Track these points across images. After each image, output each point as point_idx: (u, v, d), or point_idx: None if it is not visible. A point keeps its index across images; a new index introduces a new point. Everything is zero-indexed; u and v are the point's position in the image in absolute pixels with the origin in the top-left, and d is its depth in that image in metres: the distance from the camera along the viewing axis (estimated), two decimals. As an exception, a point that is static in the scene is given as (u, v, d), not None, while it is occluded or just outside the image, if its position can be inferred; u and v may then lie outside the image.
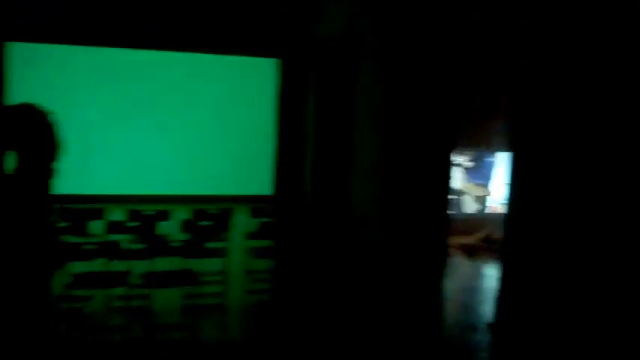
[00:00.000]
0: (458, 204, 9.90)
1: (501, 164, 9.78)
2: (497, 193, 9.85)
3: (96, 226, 6.53)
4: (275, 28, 10.23)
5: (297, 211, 9.94)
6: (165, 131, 11.25)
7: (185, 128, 11.33)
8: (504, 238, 5.46)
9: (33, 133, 2.09)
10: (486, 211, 10.04)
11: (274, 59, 11.34)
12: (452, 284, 6.99)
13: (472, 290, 6.53)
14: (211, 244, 5.91)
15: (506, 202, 5.29)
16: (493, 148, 9.81)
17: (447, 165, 7.97)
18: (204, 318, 5.21)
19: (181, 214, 6.98)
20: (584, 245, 4.01)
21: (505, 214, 5.32)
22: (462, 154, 9.79)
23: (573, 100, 4.17)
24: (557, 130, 4.35)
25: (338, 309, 5.66)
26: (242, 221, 7.06)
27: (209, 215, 6.84)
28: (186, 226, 6.23)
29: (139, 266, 5.06)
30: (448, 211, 8.14)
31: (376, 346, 4.67)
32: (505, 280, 5.16)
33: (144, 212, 6.80)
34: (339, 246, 7.43)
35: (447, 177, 8.03)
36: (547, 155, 4.47)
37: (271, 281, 6.54)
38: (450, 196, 8.34)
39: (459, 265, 7.79)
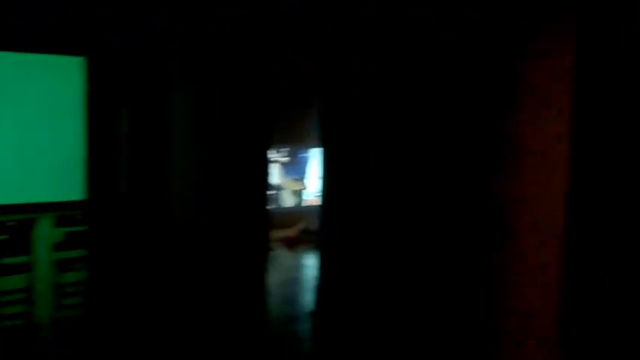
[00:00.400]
0: (277, 199, 10.25)
1: (315, 159, 10.36)
2: (313, 187, 10.43)
3: None
4: (77, 23, 9.33)
5: (113, 216, 9.28)
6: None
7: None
8: (319, 229, 5.79)
9: None
10: (304, 204, 10.56)
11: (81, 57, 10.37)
12: (275, 277, 7.19)
13: (294, 281, 6.82)
14: (10, 260, 5.27)
15: (320, 195, 5.61)
16: (307, 144, 10.33)
17: (265, 162, 8.12)
18: (8, 341, 4.64)
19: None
20: (386, 236, 4.43)
21: (319, 207, 5.63)
22: (278, 150, 10.14)
23: (371, 100, 4.57)
24: (360, 128, 4.72)
25: (159, 313, 5.46)
26: (47, 231, 6.37)
27: (6, 228, 6.02)
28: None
29: None
30: (268, 206, 8.35)
31: (202, 345, 4.63)
32: (322, 269, 5.47)
33: None
34: (159, 249, 7.14)
35: (265, 173, 8.20)
36: (351, 151, 4.83)
37: (85, 294, 6.04)
38: (268, 192, 8.58)
39: (281, 258, 8.07)
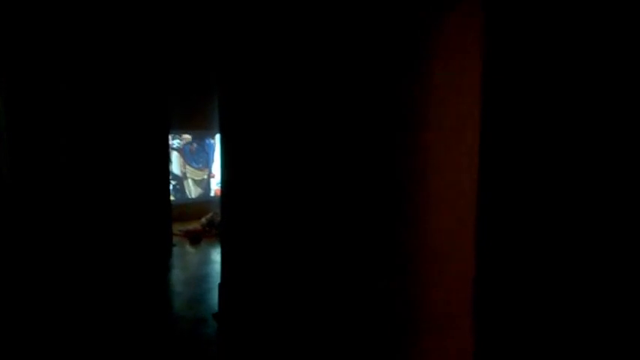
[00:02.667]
0: (179, 189, 9.57)
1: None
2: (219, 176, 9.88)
3: None
4: None
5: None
6: None
7: None
8: (221, 222, 5.33)
9: None
10: (210, 194, 9.97)
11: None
12: (178, 275, 6.66)
13: (199, 279, 6.31)
14: None
15: (221, 185, 5.17)
16: (212, 131, 9.73)
17: (164, 148, 7.52)
18: None
19: None
20: (289, 228, 4.06)
21: (220, 197, 5.20)
22: (179, 136, 9.45)
23: (267, 87, 4.17)
24: (259, 115, 4.32)
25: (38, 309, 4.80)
26: None
27: None
28: None
29: None
30: (169, 198, 7.74)
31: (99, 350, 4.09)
32: (224, 267, 5.04)
33: None
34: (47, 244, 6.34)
35: (164, 161, 7.60)
36: (249, 138, 4.41)
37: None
38: (170, 182, 7.95)
39: (185, 254, 7.50)
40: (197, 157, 9.74)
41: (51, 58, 6.77)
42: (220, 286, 5.02)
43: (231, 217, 4.81)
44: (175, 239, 7.89)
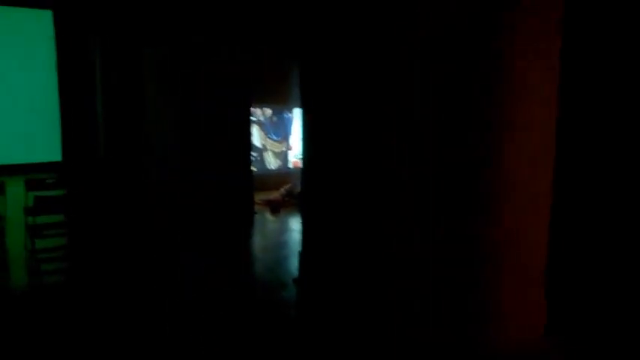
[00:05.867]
0: (260, 161, 10.00)
1: (298, 120, 10.09)
2: (297, 148, 10.19)
3: None
4: None
5: (90, 179, 8.98)
6: None
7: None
8: (302, 192, 5.60)
9: None
10: (289, 165, 10.34)
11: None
12: (259, 241, 7.07)
13: (279, 245, 6.68)
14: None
15: (302, 157, 5.38)
16: (290, 105, 10.03)
17: (246, 122, 7.92)
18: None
19: None
20: (369, 198, 4.23)
21: (302, 169, 5.42)
22: (260, 110, 9.83)
23: (352, 61, 4.29)
24: (340, 88, 4.46)
25: (141, 279, 5.31)
26: (19, 195, 6.09)
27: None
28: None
29: None
30: (251, 168, 8.16)
31: (188, 311, 4.51)
32: (305, 235, 5.31)
33: None
34: (137, 215, 6.94)
35: (247, 134, 7.99)
36: (331, 112, 4.58)
37: (66, 259, 5.86)
38: (251, 153, 8.35)
39: (266, 222, 7.92)
40: (276, 130, 10.12)
41: (140, 36, 7.28)
42: (301, 252, 5.32)
43: (312, 188, 5.06)
44: (257, 208, 8.31)
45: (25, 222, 5.69)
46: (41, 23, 9.86)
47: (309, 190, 5.22)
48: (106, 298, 4.78)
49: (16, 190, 6.11)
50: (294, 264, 5.66)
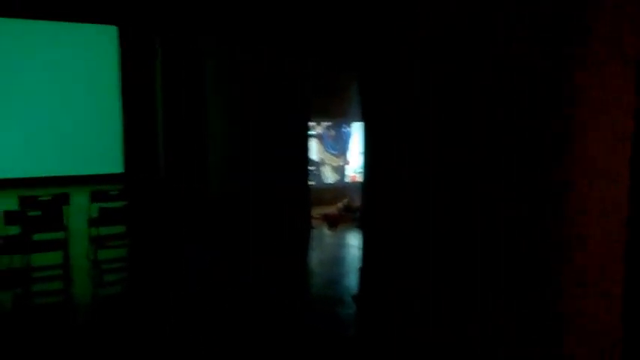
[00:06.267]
0: (317, 175, 9.90)
1: (357, 134, 9.94)
2: (355, 162, 10.03)
3: None
4: None
5: (151, 191, 9.17)
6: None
7: (12, 101, 9.71)
8: (363, 207, 5.43)
9: None
10: (346, 180, 10.18)
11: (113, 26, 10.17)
12: (317, 256, 6.92)
13: (336, 261, 6.51)
14: (45, 236, 5.15)
15: (362, 170, 5.24)
16: (349, 119, 9.92)
17: (305, 136, 7.87)
18: (45, 319, 4.53)
19: (6, 203, 5.96)
20: (437, 212, 4.03)
21: (362, 183, 5.27)
22: (318, 124, 9.75)
23: (419, 74, 4.12)
24: (407, 101, 4.29)
25: (202, 291, 5.27)
26: (83, 206, 6.23)
27: (40, 203, 5.88)
28: (12, 217, 5.28)
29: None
30: (309, 182, 8.07)
31: (245, 327, 4.41)
32: (365, 250, 5.13)
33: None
34: (197, 227, 6.96)
35: (305, 148, 7.93)
36: (396, 125, 4.42)
37: (124, 271, 5.93)
38: (309, 167, 8.26)
39: (323, 236, 7.77)
40: (334, 144, 10.01)
41: (202, 50, 7.38)
42: (361, 269, 5.13)
43: (374, 202, 4.88)
44: (314, 222, 8.18)
45: (89, 233, 5.80)
46: (106, 38, 10.29)
47: (370, 204, 5.04)
48: (165, 310, 4.76)
49: (78, 200, 6.26)
50: (352, 280, 5.48)
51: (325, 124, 9.85)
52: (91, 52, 10.28)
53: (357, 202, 8.61)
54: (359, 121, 9.57)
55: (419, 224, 4.14)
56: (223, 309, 4.86)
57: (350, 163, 10.18)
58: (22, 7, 8.90)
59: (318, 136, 9.81)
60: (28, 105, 9.85)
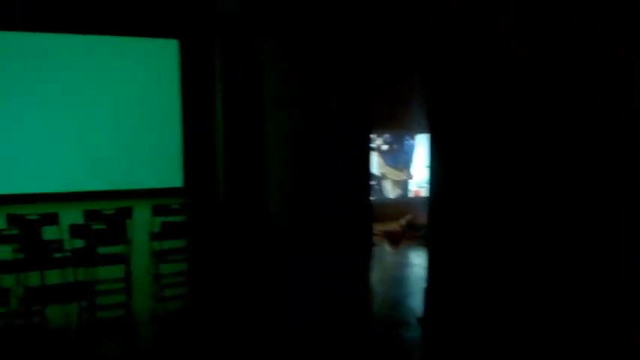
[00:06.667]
0: (378, 189, 9.62)
1: (421, 146, 9.59)
2: (419, 176, 9.67)
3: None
4: (169, 4, 9.35)
5: (211, 205, 9.22)
6: (52, 119, 10.01)
7: (75, 116, 10.13)
8: (429, 224, 5.13)
9: None
10: (409, 195, 9.84)
11: (175, 40, 10.42)
12: (378, 275, 6.65)
13: (400, 281, 6.21)
14: (108, 250, 5.19)
15: (428, 185, 4.97)
16: (413, 130, 9.59)
17: (366, 148, 7.64)
18: (107, 333, 4.55)
19: (72, 216, 6.08)
20: (514, 230, 3.72)
21: (428, 199, 4.99)
22: (379, 137, 9.50)
23: (490, 82, 3.84)
24: (474, 111, 4.02)
25: (257, 310, 5.14)
26: (146, 220, 6.28)
27: (104, 216, 5.97)
28: (77, 230, 5.36)
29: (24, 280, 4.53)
30: (370, 197, 7.82)
31: (302, 346, 4.24)
32: (432, 269, 4.84)
33: (27, 217, 5.82)
34: (255, 245, 6.86)
35: (366, 161, 7.70)
36: (465, 136, 4.15)
37: (184, 285, 5.89)
38: (370, 182, 8.02)
39: (384, 255, 7.47)
40: (396, 158, 9.70)
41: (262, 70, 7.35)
42: (426, 289, 4.83)
43: (442, 219, 4.59)
44: (375, 239, 7.90)
45: (150, 246, 5.82)
46: (167, 52, 10.56)
47: (438, 220, 4.74)
48: (224, 328, 4.69)
49: (139, 214, 6.31)
50: (416, 301, 5.18)
51: (386, 136, 9.58)
52: (153, 67, 10.57)
53: (421, 218, 8.26)
54: (423, 132, 9.23)
55: (493, 241, 3.84)
56: (282, 330, 4.70)
57: (414, 177, 9.83)
58: (90, 24, 9.27)
59: (378, 149, 9.55)
60: (91, 120, 10.24)
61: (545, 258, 3.42)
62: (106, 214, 5.98)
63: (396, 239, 8.08)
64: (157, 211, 6.33)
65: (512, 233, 3.68)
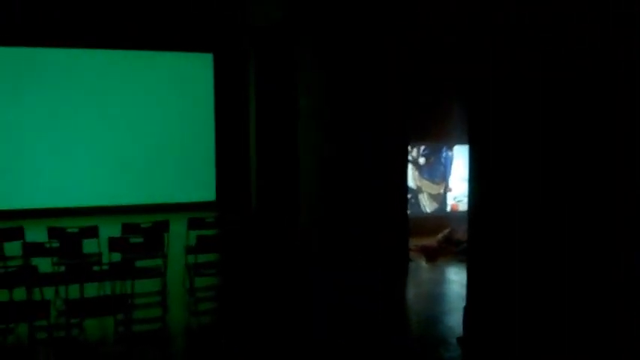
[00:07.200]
0: (414, 203, 9.44)
1: (460, 158, 9.37)
2: (457, 190, 9.45)
3: (11, 248, 5.70)
4: (203, 19, 9.53)
5: (243, 219, 9.23)
6: (90, 134, 10.29)
7: (113, 130, 10.39)
8: (469, 239, 4.97)
9: None
10: (446, 209, 9.62)
11: (209, 54, 10.57)
12: (414, 291, 6.48)
13: (437, 298, 6.04)
14: (145, 263, 5.24)
15: (467, 199, 4.83)
16: (451, 142, 9.38)
17: (403, 160, 7.51)
18: (143, 347, 4.52)
19: (109, 229, 6.17)
20: (558, 244, 3.55)
21: (468, 213, 4.84)
22: (416, 149, 9.33)
23: (535, 91, 3.71)
24: (518, 121, 3.90)
25: (291, 327, 5.07)
26: (180, 234, 6.32)
27: (142, 230, 6.04)
28: (115, 243, 5.43)
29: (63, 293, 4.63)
30: (406, 212, 7.66)
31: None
32: (473, 287, 4.69)
33: (67, 230, 5.94)
34: (287, 260, 6.82)
35: (403, 174, 7.56)
36: (508, 147, 4.02)
37: (217, 300, 5.89)
38: (406, 195, 7.86)
39: (421, 271, 7.29)
40: (433, 170, 9.51)
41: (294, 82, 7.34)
42: (466, 307, 4.67)
43: (482, 235, 4.45)
44: (411, 255, 7.74)
45: (185, 259, 5.84)
46: (201, 66, 10.72)
47: (478, 235, 4.60)
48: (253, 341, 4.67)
49: (174, 227, 6.35)
50: (455, 320, 5.01)
51: (422, 148, 9.40)
52: (187, 81, 10.75)
53: (459, 233, 8.04)
54: (462, 143, 9.01)
55: (537, 258, 3.69)
56: (311, 343, 4.64)
57: (452, 191, 9.61)
58: (128, 40, 9.50)
59: (415, 162, 9.38)
60: (129, 135, 10.47)
61: (589, 276, 3.26)
62: (144, 227, 6.05)
63: (432, 255, 7.89)
64: (193, 224, 6.37)
65: (557, 250, 3.51)
